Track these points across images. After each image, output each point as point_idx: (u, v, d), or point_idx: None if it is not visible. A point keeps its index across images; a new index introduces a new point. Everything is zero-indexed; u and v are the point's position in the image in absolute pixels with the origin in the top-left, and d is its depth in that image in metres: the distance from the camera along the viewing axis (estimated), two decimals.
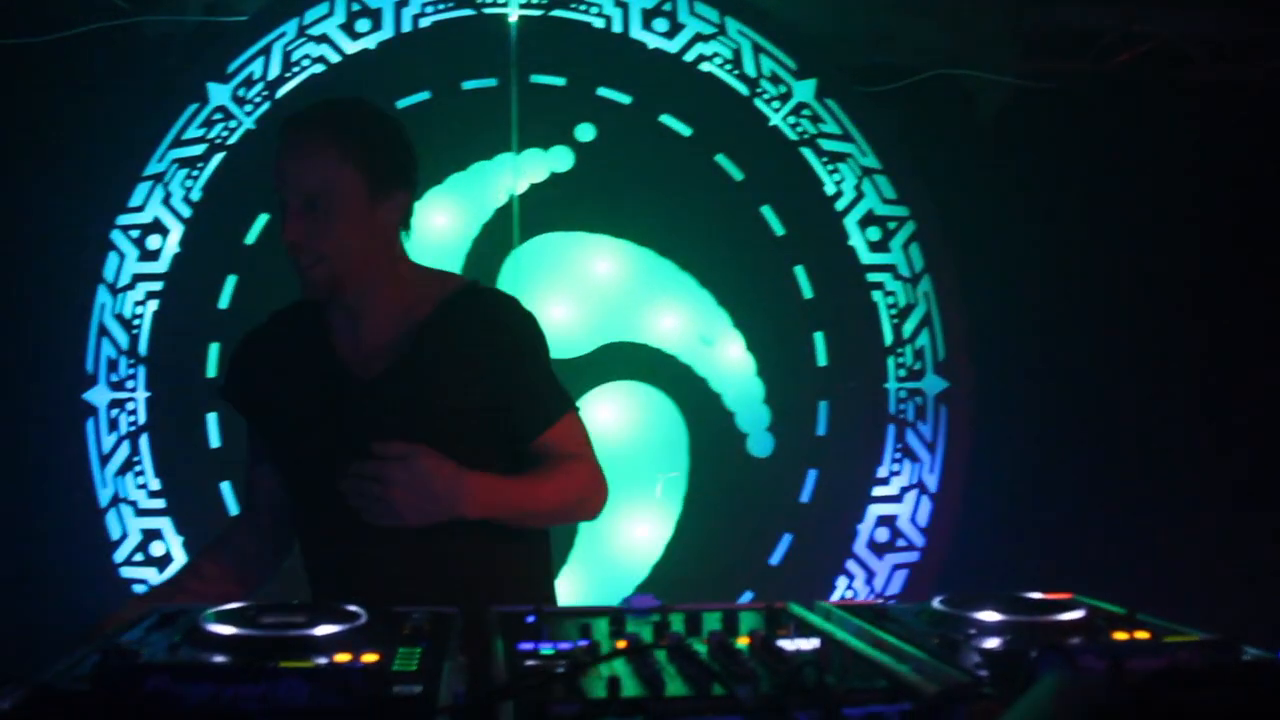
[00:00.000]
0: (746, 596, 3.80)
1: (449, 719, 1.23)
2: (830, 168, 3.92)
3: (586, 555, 3.80)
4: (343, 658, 1.46)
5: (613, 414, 3.83)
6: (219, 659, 1.45)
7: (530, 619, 1.75)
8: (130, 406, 3.78)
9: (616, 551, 3.82)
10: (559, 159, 3.83)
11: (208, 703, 1.24)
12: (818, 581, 3.90)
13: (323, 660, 1.45)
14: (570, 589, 3.79)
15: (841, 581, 3.92)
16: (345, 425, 2.26)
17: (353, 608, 1.65)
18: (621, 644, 1.59)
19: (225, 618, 1.56)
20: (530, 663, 1.51)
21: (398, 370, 2.28)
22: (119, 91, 3.83)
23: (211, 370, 3.78)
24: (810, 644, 1.61)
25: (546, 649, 1.58)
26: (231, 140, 3.84)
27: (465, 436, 2.25)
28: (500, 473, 2.26)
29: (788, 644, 1.59)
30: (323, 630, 1.51)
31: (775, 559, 3.87)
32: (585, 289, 3.85)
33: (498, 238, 3.81)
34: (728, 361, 3.86)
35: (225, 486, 3.73)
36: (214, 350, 3.78)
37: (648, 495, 3.83)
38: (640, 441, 3.84)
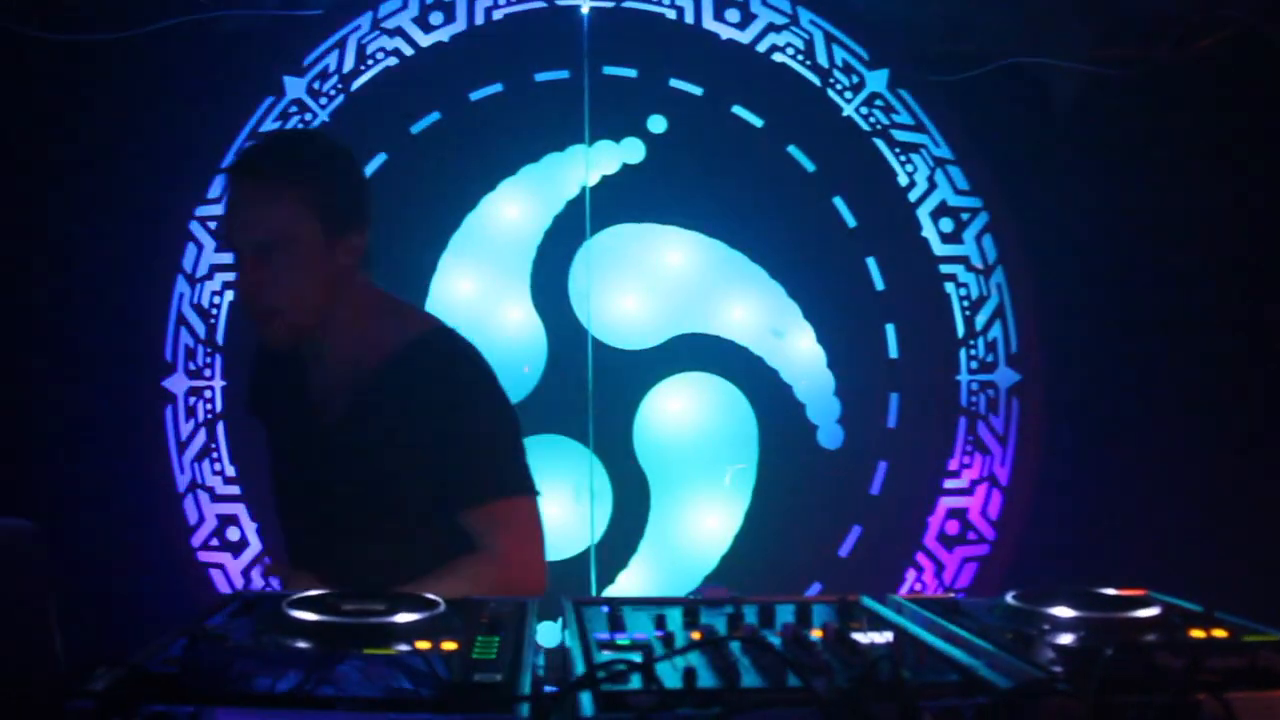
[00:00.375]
0: (814, 588, 3.80)
1: (531, 707, 1.24)
2: (903, 158, 3.90)
3: (654, 546, 3.82)
4: (422, 645, 1.48)
5: (683, 405, 3.84)
6: (302, 645, 1.48)
7: (605, 609, 1.77)
8: (207, 394, 3.84)
9: (685, 542, 3.83)
10: (631, 150, 3.84)
11: (294, 687, 1.27)
12: (887, 574, 3.88)
13: (403, 647, 1.47)
14: (638, 579, 3.80)
15: (911, 574, 3.90)
16: (313, 462, 2.25)
17: (431, 596, 1.68)
18: (696, 635, 1.61)
19: (307, 604, 1.59)
20: (606, 652, 1.53)
21: (352, 415, 2.22)
22: (197, 86, 3.89)
23: None
24: (884, 637, 1.61)
25: (622, 639, 1.60)
26: None
27: (415, 489, 2.19)
28: (447, 535, 2.17)
29: (861, 637, 1.59)
30: (403, 618, 1.53)
31: (844, 551, 3.86)
32: (656, 280, 3.85)
33: (569, 229, 3.83)
34: (799, 353, 3.86)
35: None
36: None
37: (716, 486, 3.84)
38: (710, 433, 3.85)
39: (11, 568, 1.38)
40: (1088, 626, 1.63)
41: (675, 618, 1.71)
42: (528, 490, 2.23)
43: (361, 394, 2.22)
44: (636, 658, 1.46)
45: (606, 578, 3.80)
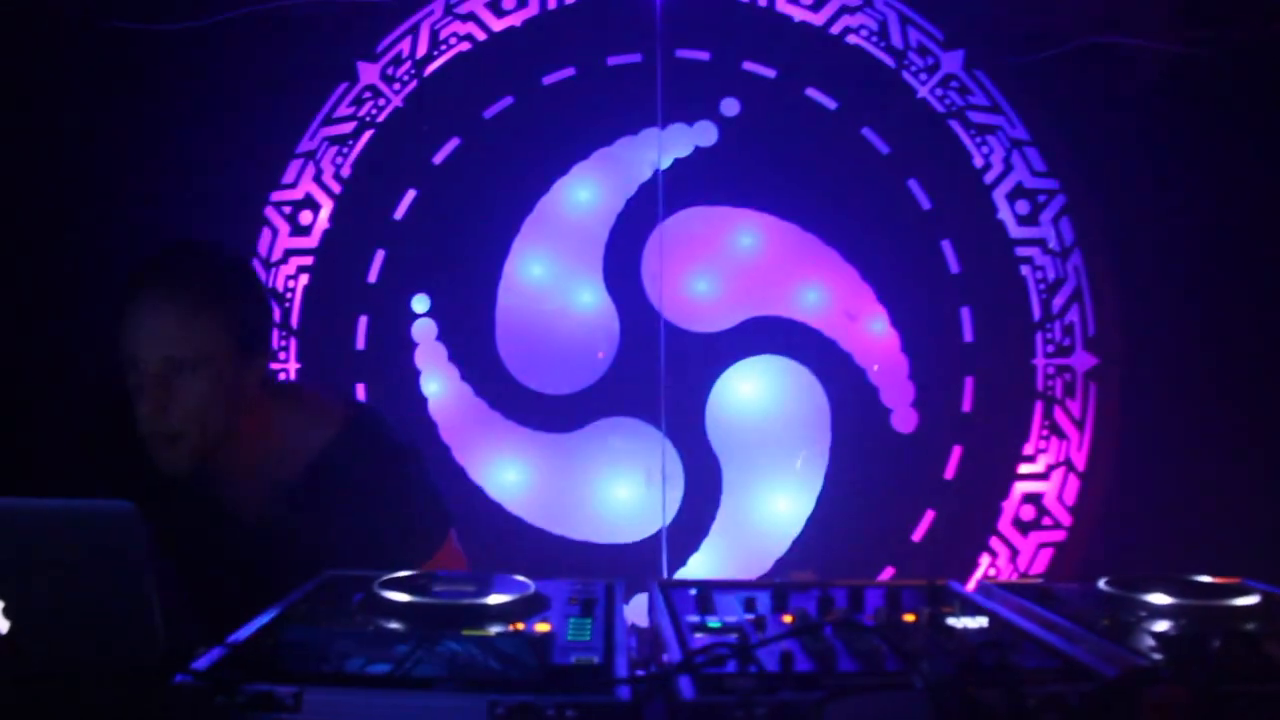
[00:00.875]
0: (887, 573, 3.78)
1: (631, 689, 1.24)
2: (978, 140, 3.85)
3: (726, 529, 3.81)
4: (516, 626, 1.48)
5: (755, 388, 3.82)
6: (395, 625, 1.49)
7: (693, 591, 1.76)
8: (283, 377, 3.87)
9: (756, 526, 3.81)
10: (704, 133, 3.82)
11: (394, 668, 1.28)
12: (960, 559, 3.85)
13: (496, 629, 1.47)
14: (709, 562, 3.80)
15: (984, 559, 3.86)
16: (227, 549, 2.20)
17: (520, 578, 1.68)
18: (787, 618, 1.60)
19: (399, 586, 1.60)
20: (699, 635, 1.52)
21: (278, 519, 2.22)
22: (271, 73, 3.90)
23: (360, 342, 3.85)
24: (977, 622, 1.59)
25: (713, 621, 1.60)
26: (380, 118, 3.90)
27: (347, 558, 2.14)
28: None
29: (955, 622, 1.58)
30: (495, 599, 1.54)
31: (917, 535, 3.83)
32: (729, 263, 3.84)
33: (642, 212, 3.82)
34: (872, 336, 3.83)
35: None
36: (362, 323, 3.85)
37: (788, 470, 3.82)
38: (782, 415, 3.83)
39: (114, 548, 1.40)
40: (1187, 614, 1.61)
41: (764, 601, 1.71)
42: (449, 524, 2.40)
43: (288, 501, 2.22)
44: (730, 641, 1.45)
45: (678, 561, 3.80)
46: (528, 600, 1.58)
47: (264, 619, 1.53)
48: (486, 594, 1.57)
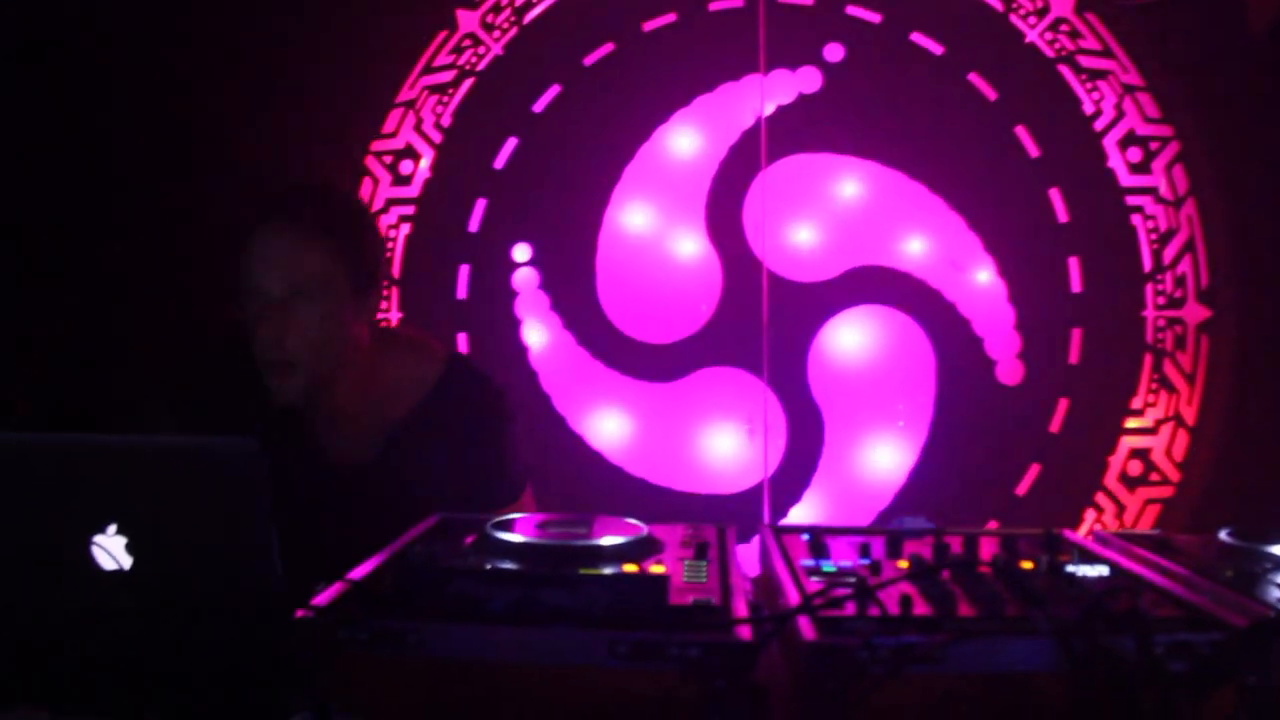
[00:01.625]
0: (989, 526, 3.72)
1: (752, 629, 1.23)
2: (1089, 85, 3.75)
3: (828, 480, 3.78)
4: (630, 568, 1.48)
5: (858, 338, 3.78)
6: (510, 565, 1.49)
7: (806, 537, 1.75)
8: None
9: (858, 477, 3.78)
10: (807, 80, 3.76)
11: (514, 605, 1.28)
12: (1065, 513, 3.78)
13: (609, 570, 1.47)
14: (811, 514, 3.78)
15: (1090, 514, 3.80)
16: (327, 499, 2.23)
17: (632, 520, 1.68)
18: (903, 563, 1.58)
19: (513, 527, 1.60)
20: (814, 579, 1.51)
21: (383, 463, 2.25)
22: (371, 22, 3.91)
23: (461, 292, 3.87)
24: (1097, 570, 1.56)
25: (828, 565, 1.58)
26: (481, 66, 3.89)
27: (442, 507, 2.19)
28: None
29: (1075, 569, 1.55)
30: (609, 541, 1.54)
31: (1022, 489, 3.78)
32: (832, 212, 3.79)
33: (744, 160, 3.78)
34: (978, 286, 3.76)
35: None
36: (464, 272, 3.87)
37: (891, 421, 3.78)
38: (885, 366, 3.78)
39: (236, 484, 1.41)
40: None
41: (877, 546, 1.69)
42: (529, 479, 2.43)
43: (393, 442, 2.27)
44: (848, 584, 1.44)
45: (779, 512, 3.78)
46: (641, 543, 1.57)
47: (380, 558, 1.54)
48: (600, 535, 1.56)
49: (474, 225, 3.88)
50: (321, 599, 1.32)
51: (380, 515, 2.04)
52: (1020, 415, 3.78)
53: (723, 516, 3.69)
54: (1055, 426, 3.78)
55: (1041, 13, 3.76)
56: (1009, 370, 3.77)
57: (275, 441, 2.20)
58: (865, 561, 1.60)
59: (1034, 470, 3.78)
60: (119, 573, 1.45)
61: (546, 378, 3.85)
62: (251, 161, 3.74)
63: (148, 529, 1.45)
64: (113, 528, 1.45)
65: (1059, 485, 3.79)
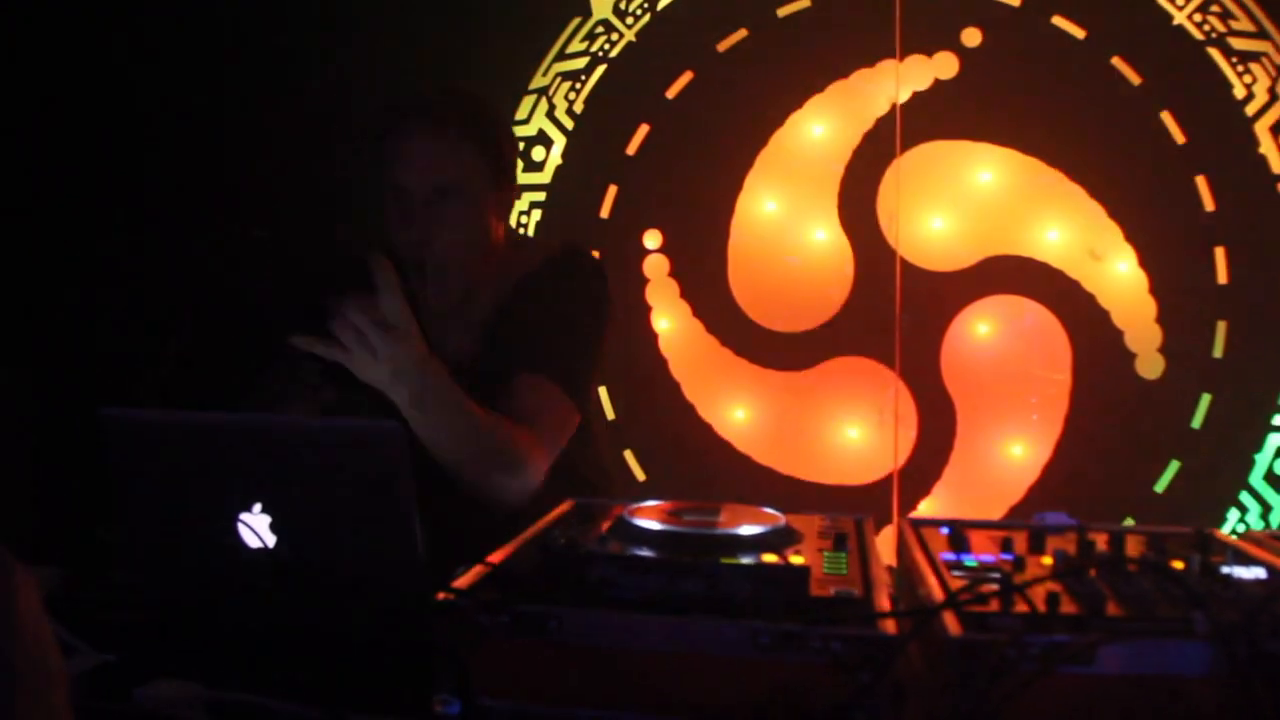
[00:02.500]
0: (1126, 524, 3.62)
1: (896, 623, 1.21)
2: (1240, 68, 3.62)
3: (959, 473, 3.72)
4: (769, 558, 1.46)
5: (992, 329, 3.71)
6: (646, 553, 1.48)
7: (945, 530, 1.72)
8: None
9: (991, 470, 3.72)
10: (944, 65, 3.70)
11: (655, 593, 1.27)
12: (1207, 513, 3.67)
13: (748, 559, 1.45)
14: (941, 507, 3.72)
15: (1233, 514, 3.68)
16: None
17: (769, 510, 1.66)
18: (1047, 560, 1.54)
19: (650, 514, 1.59)
20: (956, 573, 1.48)
21: (474, 356, 2.24)
22: (504, 8, 3.94)
23: None
24: (1253, 572, 1.50)
25: (969, 560, 1.55)
26: (613, 54, 3.90)
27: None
28: None
29: (1230, 571, 1.49)
30: (748, 529, 1.52)
31: (1161, 487, 3.67)
32: (968, 200, 3.72)
33: (879, 147, 3.73)
34: (1118, 277, 3.66)
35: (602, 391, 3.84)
36: None
37: (1026, 414, 3.70)
38: (1020, 358, 3.71)
39: (378, 466, 1.43)
40: None
41: (1019, 542, 1.65)
42: (579, 405, 2.22)
43: (484, 335, 2.26)
44: (992, 579, 1.40)
45: (909, 504, 3.73)
46: (780, 532, 1.55)
47: (513, 543, 1.55)
48: (738, 525, 1.55)
49: (605, 211, 3.88)
50: (461, 582, 1.33)
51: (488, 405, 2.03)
52: (1160, 410, 3.67)
53: (851, 507, 3.67)
54: (1197, 422, 3.66)
55: None
56: (1150, 364, 3.67)
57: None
58: (1008, 557, 1.56)
59: (1174, 467, 3.67)
60: (264, 550, 1.48)
61: (675, 365, 3.85)
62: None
63: (291, 509, 1.48)
64: (258, 506, 1.48)
65: (1200, 483, 3.67)
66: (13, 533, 2.15)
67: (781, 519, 1.61)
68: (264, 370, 2.32)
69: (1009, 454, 3.71)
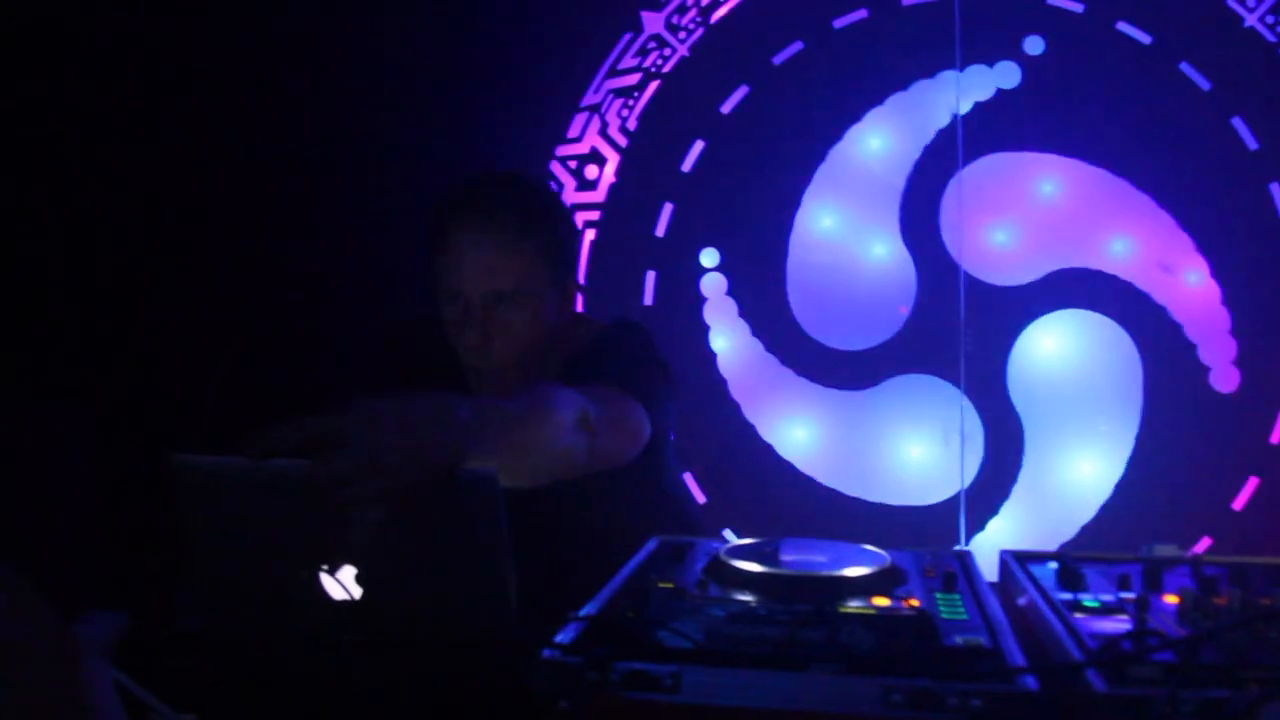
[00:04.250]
0: (1204, 544, 3.52)
1: (1039, 678, 1.12)
2: None
3: (1028, 492, 3.62)
4: (880, 601, 1.38)
5: (1060, 344, 3.61)
6: (750, 597, 1.41)
7: (1052, 565, 1.63)
8: None
9: (1061, 489, 3.61)
10: (1005, 75, 3.61)
11: (776, 647, 1.19)
12: None
13: (856, 603, 1.38)
14: (1010, 528, 3.62)
15: None
16: None
17: (870, 547, 1.58)
18: (1171, 598, 1.45)
19: (746, 554, 1.52)
20: (1078, 615, 1.40)
21: None
22: (555, 25, 3.89)
23: (648, 298, 3.81)
24: None
25: (1088, 600, 1.46)
26: (666, 68, 3.83)
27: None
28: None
29: None
30: (854, 571, 1.44)
31: (1239, 504, 3.56)
32: (1033, 212, 3.63)
33: (940, 160, 3.64)
34: (1190, 289, 3.56)
35: None
36: (650, 278, 3.81)
37: (1096, 431, 3.60)
38: (1090, 373, 3.61)
39: (471, 514, 1.36)
40: None
41: (1136, 578, 1.56)
42: (646, 409, 2.01)
43: None
44: (1120, 622, 1.33)
45: (976, 525, 3.64)
46: (886, 573, 1.47)
47: (610, 590, 1.47)
48: (841, 564, 1.47)
49: (661, 230, 3.81)
50: (563, 636, 1.25)
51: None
52: (1237, 425, 3.56)
53: (917, 529, 3.59)
54: (1276, 437, 3.55)
55: None
56: (1224, 377, 3.56)
57: None
58: (1130, 595, 1.47)
59: (1252, 483, 3.55)
60: (349, 603, 1.40)
61: (735, 385, 3.77)
62: (436, 166, 3.73)
63: (378, 559, 1.40)
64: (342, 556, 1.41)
65: None
66: (76, 577, 2.09)
67: (886, 557, 1.53)
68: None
69: (1080, 472, 3.61)
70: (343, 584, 1.40)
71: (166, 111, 3.91)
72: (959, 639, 1.24)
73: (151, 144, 3.90)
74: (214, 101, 3.89)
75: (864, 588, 1.41)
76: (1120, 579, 1.54)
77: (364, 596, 1.40)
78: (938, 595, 1.43)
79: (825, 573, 1.42)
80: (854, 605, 1.36)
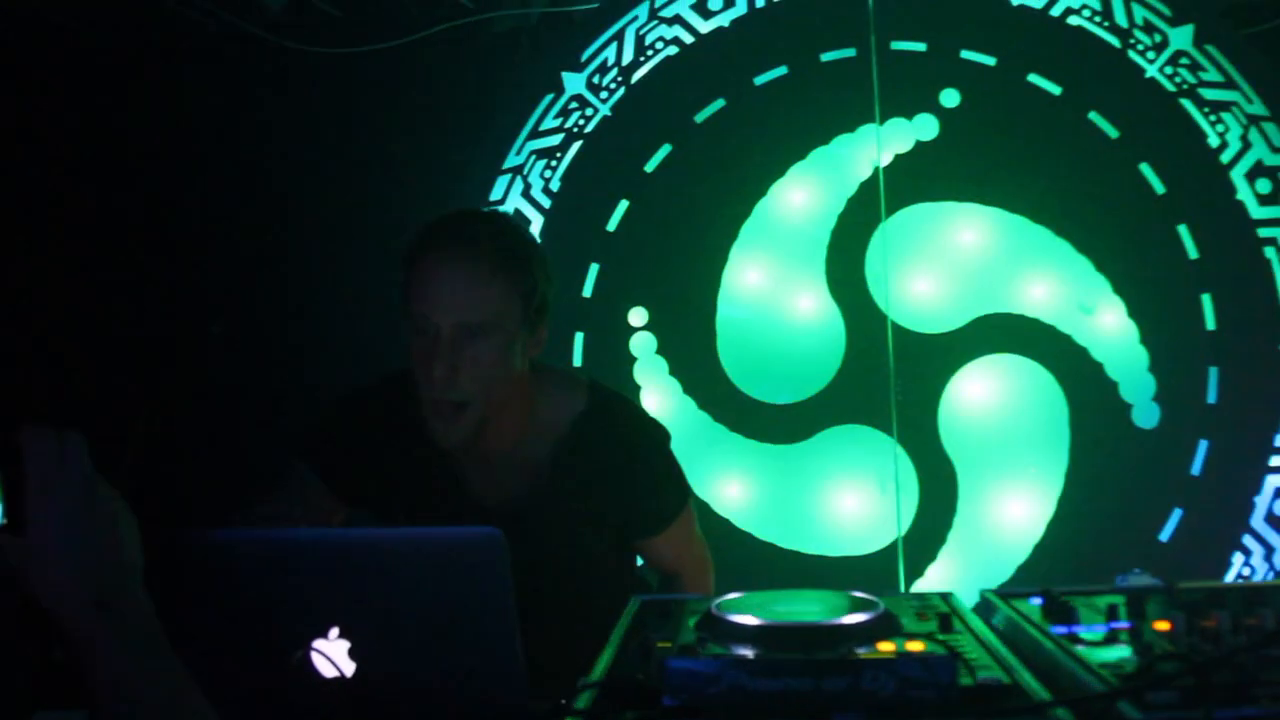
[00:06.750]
0: (1135, 574, 3.59)
1: (1071, 712, 1.13)
2: (1213, 118, 3.65)
3: (964, 537, 3.67)
4: (885, 646, 1.39)
5: (986, 388, 3.68)
6: (752, 650, 1.41)
7: (1036, 600, 1.66)
8: None
9: (996, 531, 3.67)
10: (923, 127, 3.70)
11: (797, 698, 1.19)
12: (1211, 558, 3.65)
13: (862, 650, 1.38)
14: (947, 572, 3.66)
15: (1237, 558, 3.66)
16: None
17: (861, 594, 1.59)
18: (1162, 625, 1.47)
19: (740, 609, 1.52)
20: (1079, 647, 1.41)
21: (532, 503, 2.14)
22: (471, 88, 3.90)
23: (578, 358, 3.80)
24: None
25: (1085, 633, 1.48)
26: (588, 128, 3.85)
27: (599, 543, 2.22)
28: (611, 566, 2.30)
29: None
30: (853, 619, 1.45)
31: (1165, 535, 3.65)
32: (955, 260, 3.70)
33: (863, 212, 3.70)
34: (1108, 329, 3.66)
35: None
36: (579, 339, 3.80)
37: (1026, 471, 3.67)
38: (1016, 415, 3.68)
39: (476, 578, 1.34)
40: None
41: (1119, 607, 1.58)
42: (689, 492, 2.36)
43: (540, 479, 2.16)
44: (1122, 652, 1.35)
45: (915, 571, 3.67)
46: (882, 619, 1.48)
47: (608, 651, 1.45)
48: (841, 613, 1.47)
49: (587, 290, 3.82)
50: (578, 701, 1.23)
51: (535, 556, 1.87)
52: (1159, 459, 3.65)
53: (856, 578, 3.60)
54: (1196, 469, 3.65)
55: (1160, 46, 3.67)
56: (1145, 414, 3.65)
57: (422, 484, 2.15)
58: (1123, 625, 1.50)
59: (1176, 515, 3.64)
60: (340, 680, 1.37)
61: None
62: (363, 229, 3.72)
63: (373, 631, 1.36)
64: (334, 631, 1.37)
65: (1204, 529, 3.65)
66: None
67: (879, 602, 1.54)
68: (262, 492, 2.22)
69: (1012, 513, 3.66)
70: (333, 660, 1.36)
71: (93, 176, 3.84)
72: (982, 676, 1.25)
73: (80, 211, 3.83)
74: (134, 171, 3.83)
75: (870, 634, 1.41)
76: (1107, 610, 1.57)
77: (357, 672, 1.36)
78: (940, 637, 1.44)
79: (819, 622, 1.42)
80: (862, 652, 1.36)
